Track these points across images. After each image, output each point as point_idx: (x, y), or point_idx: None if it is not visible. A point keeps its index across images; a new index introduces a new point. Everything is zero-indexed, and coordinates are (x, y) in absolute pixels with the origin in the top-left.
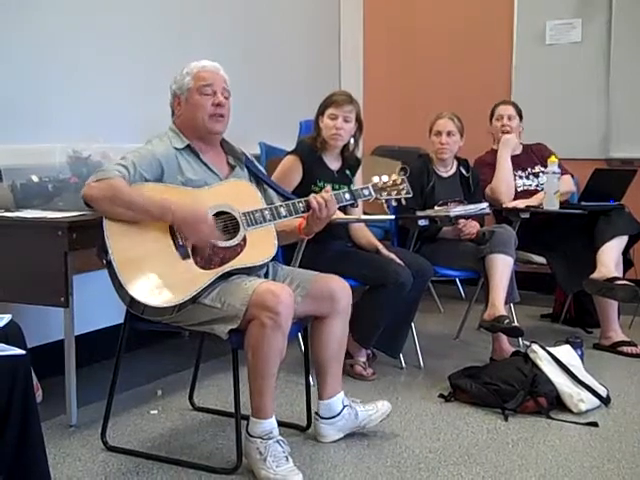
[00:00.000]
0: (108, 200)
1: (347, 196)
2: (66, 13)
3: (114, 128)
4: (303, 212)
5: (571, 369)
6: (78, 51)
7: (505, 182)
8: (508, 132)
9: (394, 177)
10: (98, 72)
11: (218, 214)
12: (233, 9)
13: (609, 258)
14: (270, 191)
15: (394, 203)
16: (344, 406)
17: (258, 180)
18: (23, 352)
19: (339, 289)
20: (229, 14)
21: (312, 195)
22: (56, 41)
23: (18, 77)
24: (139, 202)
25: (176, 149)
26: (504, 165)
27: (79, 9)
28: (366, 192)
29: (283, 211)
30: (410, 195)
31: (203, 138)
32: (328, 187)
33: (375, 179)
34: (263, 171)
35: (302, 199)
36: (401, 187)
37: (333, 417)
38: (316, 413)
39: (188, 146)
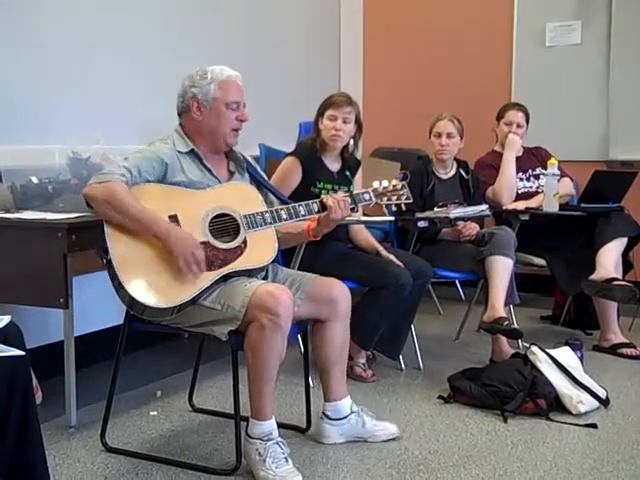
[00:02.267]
0: (106, 203)
1: (347, 200)
2: (66, 14)
3: (114, 129)
4: (303, 216)
5: (570, 371)
6: (78, 52)
7: (508, 186)
8: None
9: (394, 182)
10: (98, 73)
11: (219, 216)
12: (233, 10)
13: (608, 259)
14: (271, 196)
15: (394, 208)
16: (352, 412)
17: (259, 185)
18: (22, 353)
19: (339, 293)
20: (229, 15)
21: (328, 195)
22: (56, 42)
23: (18, 78)
24: (134, 213)
25: (179, 152)
26: (509, 168)
27: (79, 10)
28: (366, 197)
29: (284, 214)
30: (410, 201)
31: (213, 146)
32: (341, 192)
33: (375, 184)
34: (264, 176)
35: (302, 203)
36: (401, 192)
37: (340, 419)
38: (323, 413)
39: (192, 150)
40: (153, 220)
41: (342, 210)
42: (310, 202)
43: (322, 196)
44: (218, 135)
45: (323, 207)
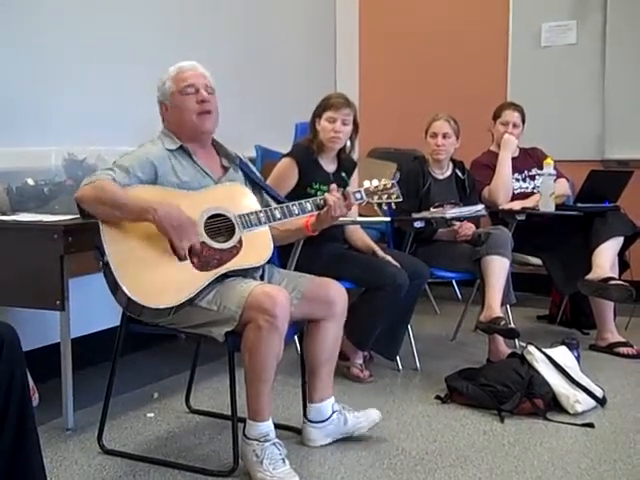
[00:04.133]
0: (94, 199)
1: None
2: (65, 14)
3: (114, 130)
4: (297, 215)
5: (567, 370)
6: (78, 52)
7: (504, 186)
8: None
9: (384, 181)
10: (95, 74)
11: (214, 216)
12: (232, 10)
13: (604, 259)
14: (266, 196)
15: (384, 207)
16: (334, 411)
17: (254, 183)
18: None
19: (336, 294)
20: (229, 15)
21: (329, 192)
22: (56, 42)
23: (14, 80)
24: (122, 201)
25: (169, 150)
26: (505, 168)
27: (79, 10)
28: (358, 196)
29: (278, 213)
30: (400, 200)
31: (195, 139)
32: (334, 186)
33: (366, 183)
34: (258, 175)
35: (295, 202)
36: (391, 191)
37: (322, 421)
38: (305, 416)
39: (181, 147)
40: (143, 207)
41: (342, 208)
42: (303, 201)
43: (326, 194)
44: (187, 125)
45: (317, 206)
